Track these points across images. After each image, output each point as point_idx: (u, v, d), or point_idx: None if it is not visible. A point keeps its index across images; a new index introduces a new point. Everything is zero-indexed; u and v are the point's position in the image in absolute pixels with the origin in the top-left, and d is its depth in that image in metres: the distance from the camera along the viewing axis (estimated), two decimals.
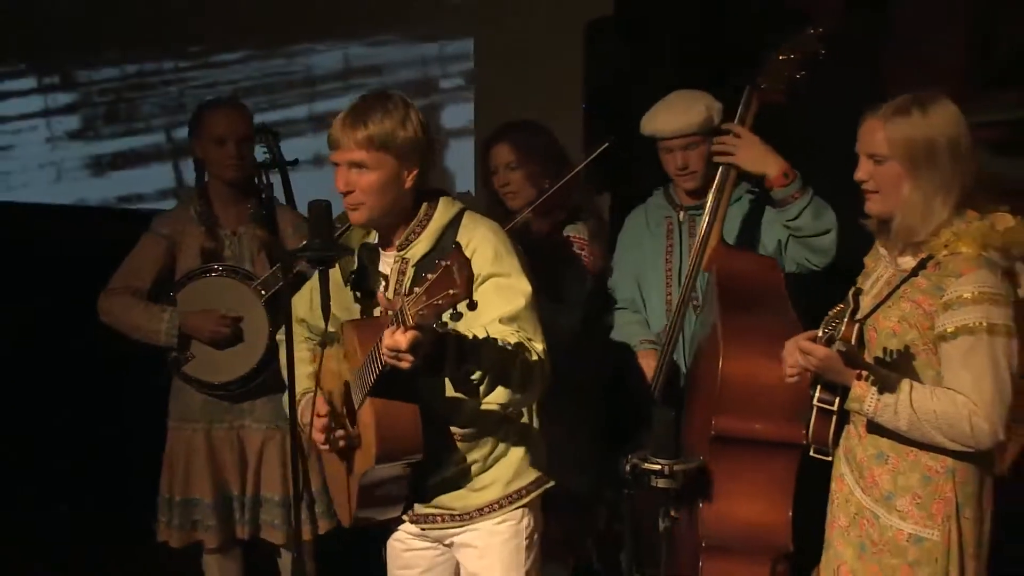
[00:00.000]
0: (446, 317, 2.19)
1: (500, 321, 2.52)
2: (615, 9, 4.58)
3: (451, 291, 2.15)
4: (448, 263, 2.17)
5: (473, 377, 2.39)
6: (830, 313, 2.37)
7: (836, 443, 2.61)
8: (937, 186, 2.43)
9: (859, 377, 2.40)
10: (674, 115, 3.30)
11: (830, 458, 2.62)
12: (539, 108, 4.18)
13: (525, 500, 2.76)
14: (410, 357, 2.30)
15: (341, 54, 4.22)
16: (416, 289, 2.22)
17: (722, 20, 3.40)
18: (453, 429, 2.68)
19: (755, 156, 3.14)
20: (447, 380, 2.49)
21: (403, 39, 4.35)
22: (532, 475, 2.77)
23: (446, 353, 2.35)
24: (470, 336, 2.40)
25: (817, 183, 3.19)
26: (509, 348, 2.45)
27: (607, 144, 3.43)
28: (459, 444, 2.70)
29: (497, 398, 2.49)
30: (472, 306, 2.19)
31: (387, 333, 2.31)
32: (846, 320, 2.31)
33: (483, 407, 2.59)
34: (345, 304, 2.76)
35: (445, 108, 4.59)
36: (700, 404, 3.10)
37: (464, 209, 2.71)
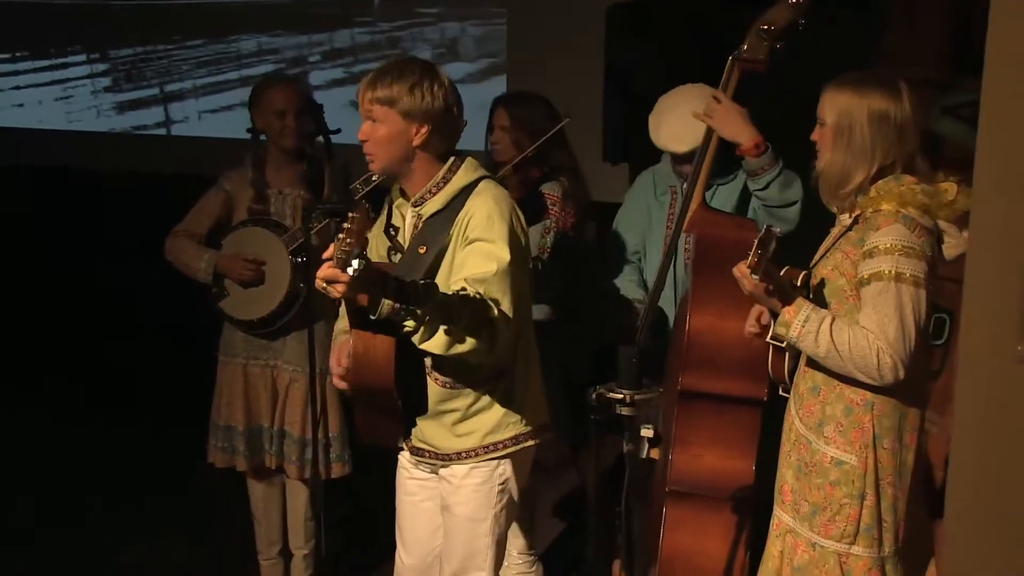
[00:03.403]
0: (356, 262, 2.37)
1: (467, 280, 2.66)
2: None
3: (349, 240, 2.38)
4: (354, 214, 2.38)
5: (406, 324, 2.59)
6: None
7: (792, 380, 2.81)
8: (853, 154, 2.64)
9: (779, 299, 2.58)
10: (674, 138, 3.39)
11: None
12: (563, 77, 4.53)
13: (501, 453, 2.91)
14: (333, 289, 2.47)
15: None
16: (340, 235, 2.42)
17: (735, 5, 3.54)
18: (435, 376, 2.86)
19: (731, 124, 3.20)
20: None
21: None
22: (511, 432, 2.91)
23: (384, 294, 2.52)
24: (413, 284, 2.55)
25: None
26: (455, 302, 2.59)
27: (567, 121, 3.72)
28: (440, 391, 2.87)
29: (433, 346, 2.62)
30: (360, 256, 2.37)
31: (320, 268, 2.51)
32: (758, 253, 2.46)
33: (458, 360, 2.71)
34: (381, 251, 2.96)
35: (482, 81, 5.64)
36: (674, 356, 3.22)
37: (484, 176, 2.87)
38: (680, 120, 3.39)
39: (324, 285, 2.50)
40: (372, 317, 2.59)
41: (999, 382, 1.47)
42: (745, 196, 3.48)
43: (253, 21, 6.17)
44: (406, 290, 2.53)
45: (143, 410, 5.61)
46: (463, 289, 2.65)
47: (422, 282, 2.59)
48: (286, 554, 4.11)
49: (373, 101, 2.76)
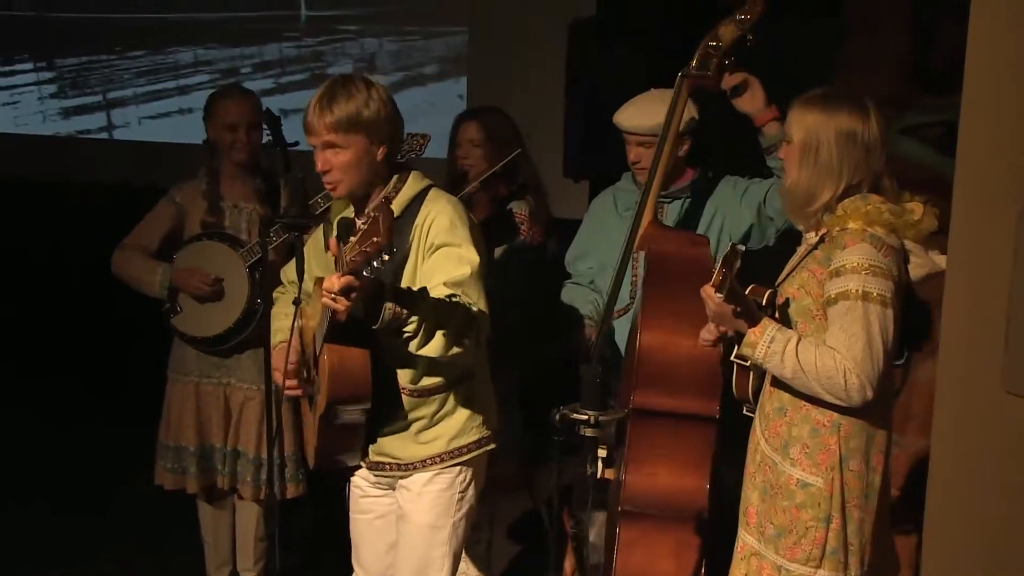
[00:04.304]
0: (377, 263, 2.36)
1: (445, 284, 2.68)
2: (597, 10, 4.87)
3: (375, 239, 2.34)
4: (375, 214, 2.35)
5: (407, 329, 2.57)
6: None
7: (758, 399, 2.78)
8: (820, 173, 2.62)
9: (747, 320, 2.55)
10: (637, 113, 3.37)
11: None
12: (524, 94, 4.53)
13: (466, 457, 2.92)
14: (344, 300, 2.47)
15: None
16: (352, 239, 2.40)
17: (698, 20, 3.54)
18: (403, 386, 2.85)
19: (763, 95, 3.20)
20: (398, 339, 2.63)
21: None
22: (475, 435, 2.93)
23: (383, 300, 2.53)
24: (409, 289, 2.59)
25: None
26: (445, 305, 2.62)
27: (524, 145, 3.73)
28: (408, 400, 2.87)
29: (431, 350, 2.64)
30: (390, 252, 2.36)
31: (326, 278, 2.51)
32: (723, 271, 2.44)
33: (431, 367, 2.77)
34: (329, 268, 2.87)
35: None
36: (628, 378, 3.17)
37: (431, 185, 2.87)
38: (640, 102, 3.40)
39: (333, 298, 2.47)
40: (374, 326, 2.57)
41: (978, 411, 1.44)
42: (715, 200, 3.46)
43: (189, 35, 6.77)
44: (403, 296, 2.56)
45: (85, 426, 5.48)
46: (448, 294, 2.67)
47: (415, 288, 2.62)
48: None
49: (334, 127, 2.71)
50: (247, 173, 3.83)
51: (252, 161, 3.83)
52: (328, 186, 2.79)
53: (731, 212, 3.44)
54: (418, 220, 2.78)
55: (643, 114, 3.36)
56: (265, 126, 4.03)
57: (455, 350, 2.66)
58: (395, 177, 2.83)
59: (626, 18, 4.85)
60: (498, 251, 3.68)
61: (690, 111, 3.32)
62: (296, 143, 4.22)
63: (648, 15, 4.73)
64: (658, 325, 3.04)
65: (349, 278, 2.43)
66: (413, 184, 2.85)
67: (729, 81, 3.19)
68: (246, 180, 3.83)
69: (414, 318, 2.58)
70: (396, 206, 2.79)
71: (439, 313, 2.61)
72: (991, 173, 1.45)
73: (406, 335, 2.60)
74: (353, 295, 2.47)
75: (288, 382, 2.89)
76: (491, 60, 5.44)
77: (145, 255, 3.79)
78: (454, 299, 2.66)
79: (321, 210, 3.36)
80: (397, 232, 2.75)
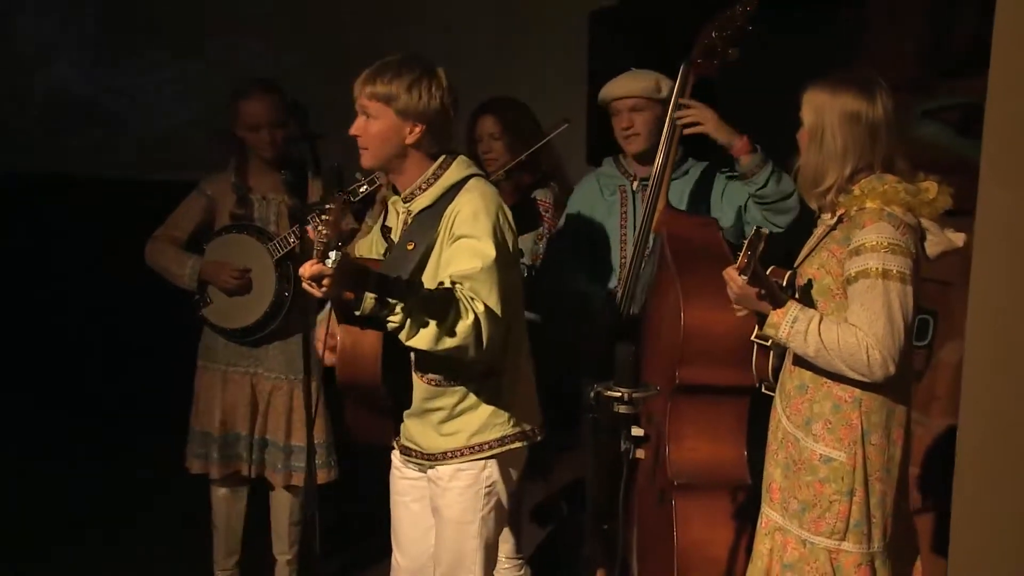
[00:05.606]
0: (333, 255, 2.39)
1: (452, 277, 2.67)
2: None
3: (325, 232, 2.37)
4: (330, 206, 2.38)
5: (392, 319, 2.57)
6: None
7: (777, 378, 2.84)
8: (825, 155, 2.68)
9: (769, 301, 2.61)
10: (624, 81, 3.53)
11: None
12: (547, 85, 4.57)
13: (487, 454, 2.87)
14: (316, 286, 2.49)
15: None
16: (320, 228, 2.42)
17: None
18: (419, 373, 2.84)
19: (722, 127, 3.32)
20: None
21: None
22: (497, 433, 2.87)
23: (364, 289, 2.53)
24: (397, 279, 2.56)
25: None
26: (437, 298, 2.59)
27: (566, 124, 3.75)
28: (426, 388, 2.85)
29: (420, 342, 2.61)
30: (335, 247, 2.37)
31: (302, 265, 2.52)
32: (747, 254, 2.50)
33: (443, 357, 2.70)
34: (380, 249, 2.98)
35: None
36: (657, 353, 3.27)
37: (475, 174, 2.86)
38: (624, 75, 3.57)
39: (309, 284, 2.51)
40: (356, 313, 2.58)
41: (1008, 396, 1.46)
42: (700, 189, 3.56)
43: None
44: (388, 285, 2.55)
45: (94, 423, 5.54)
46: (450, 286, 2.66)
47: (406, 278, 2.60)
48: (243, 565, 4.06)
49: (371, 97, 2.76)
50: (274, 166, 3.85)
51: (280, 156, 3.85)
52: (361, 152, 2.83)
53: (712, 207, 3.55)
54: (448, 209, 2.78)
55: (631, 80, 3.51)
56: (293, 119, 4.11)
57: (447, 343, 2.63)
58: (440, 160, 2.83)
59: (647, 7, 4.88)
60: (522, 239, 3.73)
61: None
62: (323, 134, 4.29)
63: (669, 4, 4.77)
64: (698, 304, 3.16)
65: (319, 266, 2.45)
66: (456, 171, 2.84)
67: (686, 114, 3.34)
68: (274, 172, 3.85)
69: (399, 308, 2.57)
70: (434, 191, 2.81)
71: (429, 306, 2.59)
72: (1018, 154, 1.47)
73: (391, 325, 2.60)
74: (325, 281, 2.48)
75: (329, 356, 2.89)
76: (514, 48, 5.43)
77: (176, 247, 3.86)
78: (456, 293, 2.64)
79: (360, 196, 3.39)
80: (430, 217, 2.79)
